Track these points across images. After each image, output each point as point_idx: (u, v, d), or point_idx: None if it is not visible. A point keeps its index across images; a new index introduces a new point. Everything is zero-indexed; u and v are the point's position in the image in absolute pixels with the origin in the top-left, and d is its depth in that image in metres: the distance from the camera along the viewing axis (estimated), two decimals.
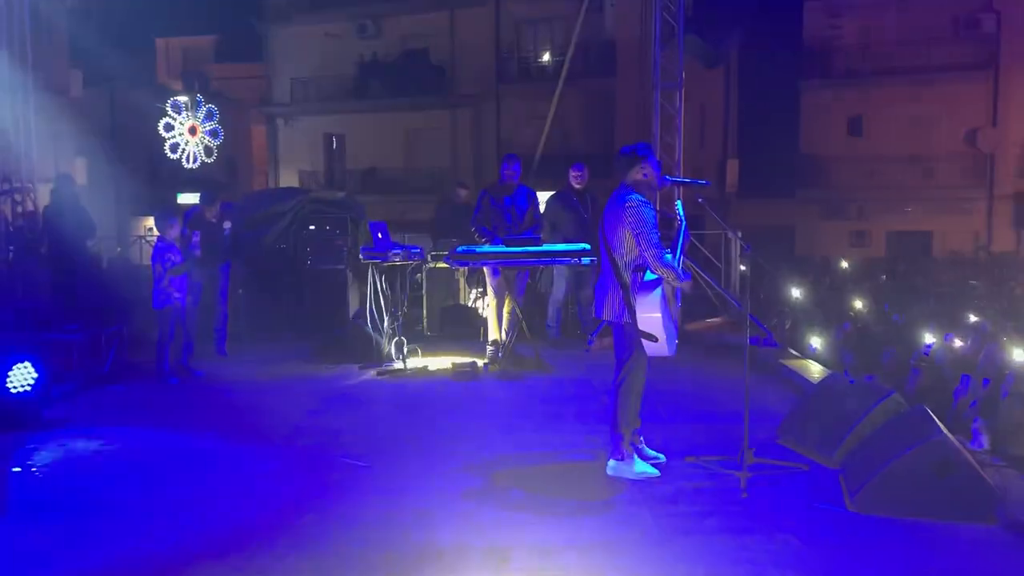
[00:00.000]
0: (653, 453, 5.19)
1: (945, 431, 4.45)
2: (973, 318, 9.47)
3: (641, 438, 5.18)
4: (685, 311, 10.05)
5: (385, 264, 8.11)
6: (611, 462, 4.96)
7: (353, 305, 10.02)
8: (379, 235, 8.04)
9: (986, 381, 6.55)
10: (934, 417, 4.59)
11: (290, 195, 11.23)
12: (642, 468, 4.94)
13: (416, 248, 8.42)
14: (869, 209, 24.54)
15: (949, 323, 9.45)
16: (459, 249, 7.75)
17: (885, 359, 8.25)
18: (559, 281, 9.27)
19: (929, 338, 8.31)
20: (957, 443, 4.42)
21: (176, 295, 7.66)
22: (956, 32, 23.36)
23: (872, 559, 3.86)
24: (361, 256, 8.31)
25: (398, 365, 8.04)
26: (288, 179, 28.03)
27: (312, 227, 10.08)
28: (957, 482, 4.22)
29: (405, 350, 8.12)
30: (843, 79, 24.25)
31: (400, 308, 8.39)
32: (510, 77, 26.54)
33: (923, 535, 4.09)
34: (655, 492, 4.71)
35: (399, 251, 8.05)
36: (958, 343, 8.14)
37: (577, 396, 7.01)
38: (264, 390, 7.48)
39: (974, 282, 14.31)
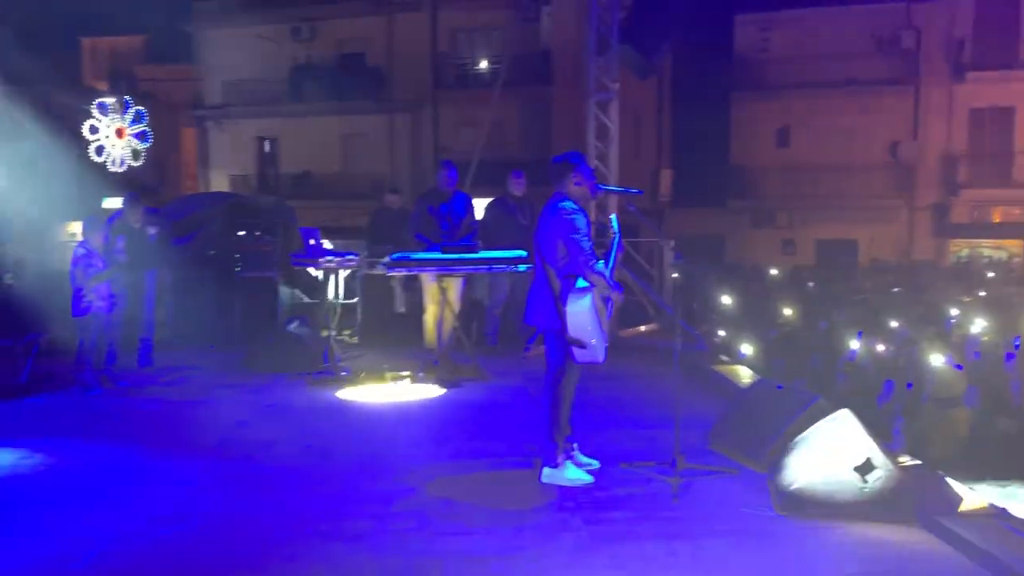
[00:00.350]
0: (587, 460, 5.20)
1: (869, 434, 4.56)
2: (894, 324, 9.77)
3: (575, 445, 5.20)
4: (619, 317, 10.19)
5: (317, 271, 7.99)
6: (545, 469, 4.96)
7: (285, 313, 9.84)
8: (311, 241, 7.92)
9: (909, 385, 6.77)
10: (858, 421, 4.71)
11: (220, 200, 11.00)
12: (576, 475, 4.95)
13: (350, 254, 8.31)
14: (797, 218, 25.22)
15: (873, 329, 9.75)
16: (395, 256, 7.68)
17: (813, 364, 8.46)
18: (497, 288, 9.27)
19: (854, 343, 8.54)
20: (880, 446, 4.54)
21: (99, 303, 7.41)
22: (879, 47, 24.21)
23: (799, 561, 3.94)
24: (292, 263, 8.17)
25: (331, 374, 7.92)
26: (219, 183, 27.44)
27: (242, 233, 9.87)
28: (879, 484, 4.34)
29: (338, 358, 8.00)
30: (772, 91, 24.90)
31: (333, 316, 8.27)
32: (447, 83, 26.51)
33: (848, 536, 4.18)
34: (589, 499, 4.72)
35: (332, 258, 7.94)
36: (881, 348, 8.39)
37: (513, 404, 6.99)
38: (190, 401, 7.28)
39: (896, 289, 14.78)
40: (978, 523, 4.12)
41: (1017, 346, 7.86)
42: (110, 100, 14.43)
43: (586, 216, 4.86)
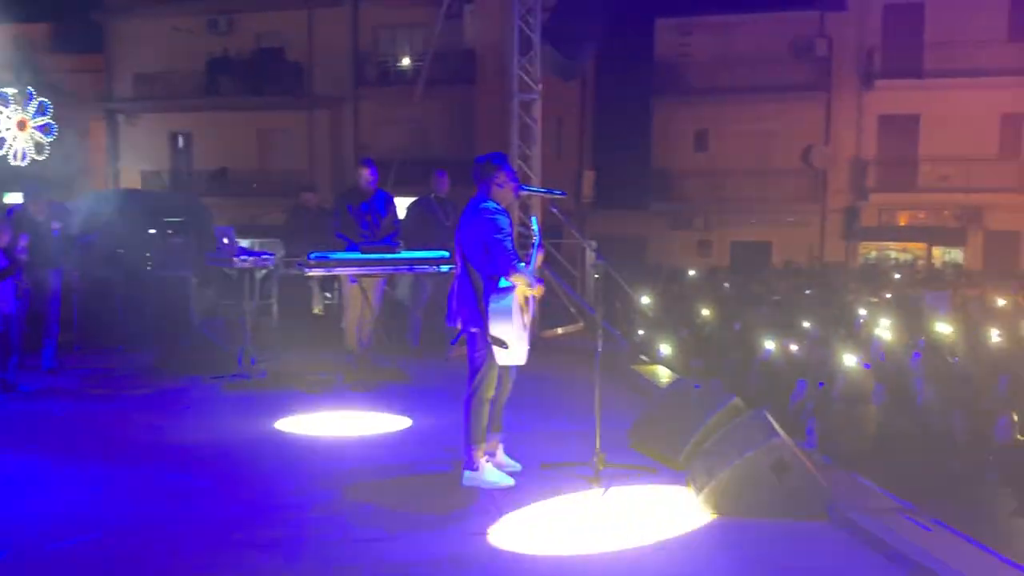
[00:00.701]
0: (509, 461, 5.19)
1: (782, 433, 4.67)
2: (807, 324, 10.06)
3: (501, 446, 5.18)
4: (542, 319, 10.23)
5: (232, 270, 7.76)
6: (466, 473, 4.92)
7: (198, 313, 9.53)
8: (225, 240, 7.68)
9: (820, 384, 6.95)
10: (772, 420, 4.81)
11: (130, 196, 10.59)
12: (497, 477, 4.93)
13: (266, 254, 8.10)
14: (714, 220, 25.80)
15: (786, 329, 10.02)
16: (313, 255, 7.51)
17: (729, 364, 8.63)
18: (420, 289, 9.17)
19: (768, 344, 8.75)
20: (793, 444, 4.65)
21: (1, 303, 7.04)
22: (794, 55, 24.94)
23: (715, 559, 4.00)
24: (206, 262, 7.91)
25: (246, 376, 7.70)
26: (129, 180, 26.50)
27: (153, 231, 9.53)
28: (793, 482, 4.44)
29: (254, 361, 7.79)
30: (691, 95, 25.39)
31: (249, 317, 8.04)
32: (369, 80, 26.21)
33: (762, 534, 4.26)
34: (511, 501, 4.70)
35: (247, 257, 7.72)
36: (794, 348, 8.61)
37: (434, 405, 6.92)
38: (98, 405, 6.99)
39: (808, 291, 15.24)
40: (885, 518, 4.25)
41: (923, 346, 8.19)
42: (11, 90, 13.72)
43: (508, 216, 4.85)
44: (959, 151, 23.75)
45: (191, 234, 9.56)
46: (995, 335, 9.08)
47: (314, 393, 7.35)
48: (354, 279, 7.67)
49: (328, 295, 9.66)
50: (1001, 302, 13.09)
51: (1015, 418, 5.64)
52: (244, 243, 8.55)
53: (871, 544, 4.08)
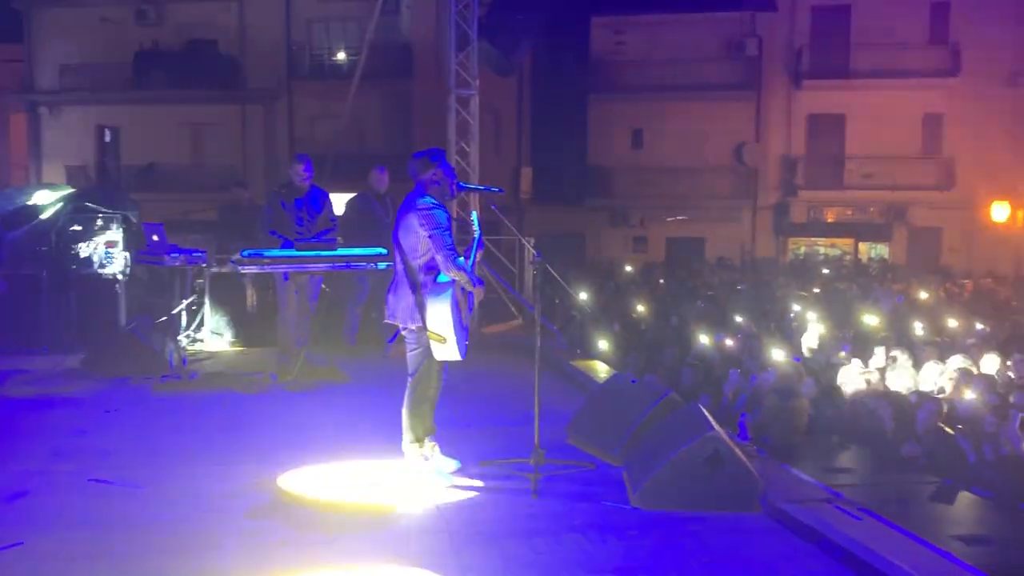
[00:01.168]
0: (448, 459, 5.16)
1: (716, 426, 4.75)
2: (739, 319, 10.28)
3: (436, 445, 5.15)
4: (481, 314, 10.22)
5: (162, 268, 7.55)
6: (406, 470, 4.88)
7: (127, 313, 9.25)
8: (155, 237, 7.48)
9: (753, 378, 7.11)
10: (707, 413, 4.90)
11: (53, 192, 10.20)
12: (436, 475, 4.90)
13: (197, 252, 7.90)
14: (649, 217, 26.15)
15: (719, 323, 10.22)
16: (246, 253, 7.35)
17: (665, 359, 8.76)
18: (358, 287, 9.05)
19: (702, 338, 8.92)
20: (727, 437, 4.74)
21: None
22: (726, 54, 25.42)
23: (653, 552, 4.05)
24: (134, 260, 7.69)
25: (178, 377, 7.51)
26: (53, 175, 25.51)
27: (79, 228, 9.19)
28: (727, 475, 4.52)
29: (186, 361, 7.60)
30: (626, 93, 25.66)
31: (180, 316, 7.84)
32: (303, 74, 25.81)
33: (698, 526, 4.33)
34: (451, 499, 4.68)
35: (178, 255, 7.52)
36: (728, 342, 8.79)
37: (373, 405, 6.85)
38: (18, 408, 6.72)
39: (740, 286, 15.56)
40: (816, 508, 4.36)
41: (850, 338, 8.43)
42: None
43: (447, 211, 4.83)
44: (884, 150, 24.55)
45: (118, 232, 9.22)
46: (919, 327, 9.41)
47: (249, 393, 7.21)
48: (288, 277, 7.54)
49: (262, 294, 9.46)
50: (924, 295, 13.58)
51: (938, 407, 5.86)
52: (174, 241, 8.31)
53: (803, 534, 4.18)
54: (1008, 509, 4.75)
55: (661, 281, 16.64)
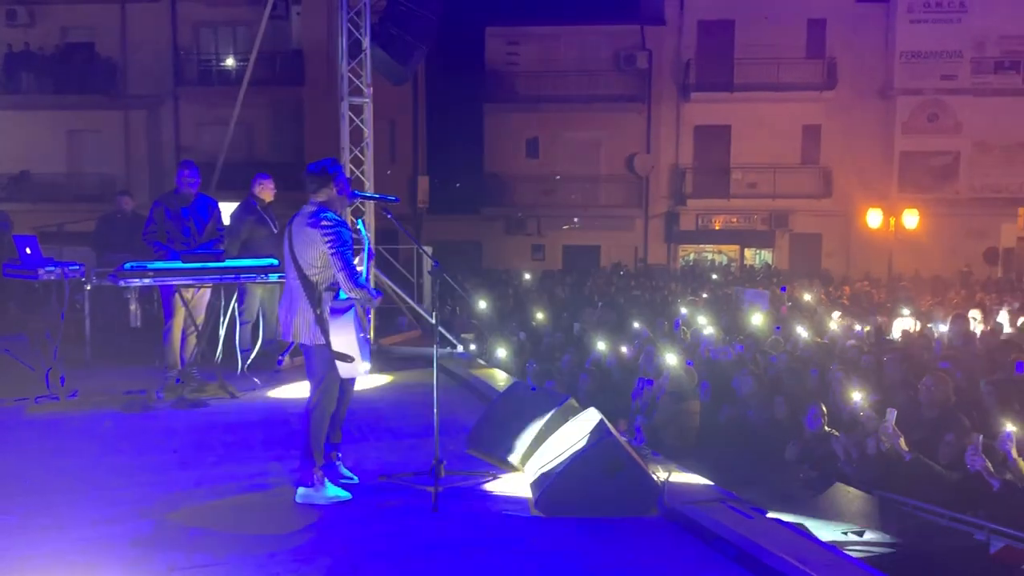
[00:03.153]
0: (348, 474, 5.05)
1: (614, 431, 4.81)
2: (636, 325, 10.49)
3: (339, 453, 5.04)
4: (380, 326, 10.09)
5: (36, 283, 7.11)
6: (300, 489, 4.74)
7: None
8: (27, 250, 7.04)
9: (650, 382, 7.24)
10: (604, 419, 4.95)
11: None
12: (334, 492, 4.78)
13: (75, 265, 7.47)
14: (546, 225, 26.47)
15: (616, 329, 10.40)
16: (127, 266, 7.00)
17: (563, 365, 8.84)
18: (248, 299, 8.77)
19: (599, 345, 9.05)
20: (625, 442, 4.80)
21: None
22: (617, 66, 26.00)
23: (555, 560, 4.05)
24: (4, 274, 7.22)
25: (55, 398, 7.09)
26: None
27: None
28: (625, 479, 4.58)
29: (64, 380, 7.18)
30: (522, 103, 25.93)
31: (56, 333, 7.40)
32: (190, 79, 24.93)
33: (598, 531, 4.37)
34: (348, 516, 4.57)
35: (53, 268, 7.10)
36: (623, 349, 8.94)
37: (265, 422, 6.64)
38: None
39: (636, 292, 15.91)
40: (710, 508, 4.47)
41: (742, 341, 8.71)
42: None
43: (348, 228, 4.72)
44: (766, 160, 25.62)
45: None
46: (802, 331, 9.81)
47: (132, 413, 6.87)
48: (174, 290, 7.23)
49: (146, 308, 9.04)
50: (807, 297, 14.20)
51: (823, 408, 6.11)
52: (50, 252, 7.85)
53: (699, 535, 4.28)
54: (885, 502, 5.00)
55: (558, 289, 16.84)
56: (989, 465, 4.78)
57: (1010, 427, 5.00)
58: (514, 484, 5.06)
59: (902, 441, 5.23)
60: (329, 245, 4.57)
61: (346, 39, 9.78)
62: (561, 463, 4.70)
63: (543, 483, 4.71)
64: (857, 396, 6.04)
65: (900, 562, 4.07)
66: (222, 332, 7.76)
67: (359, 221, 5.10)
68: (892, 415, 5.28)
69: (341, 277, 4.58)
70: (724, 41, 25.86)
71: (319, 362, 4.71)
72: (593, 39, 25.98)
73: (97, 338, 8.97)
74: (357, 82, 9.96)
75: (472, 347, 10.00)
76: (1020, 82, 25.39)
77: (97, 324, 8.99)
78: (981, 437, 4.94)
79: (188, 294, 7.28)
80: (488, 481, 5.14)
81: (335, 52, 10.13)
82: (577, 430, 5.08)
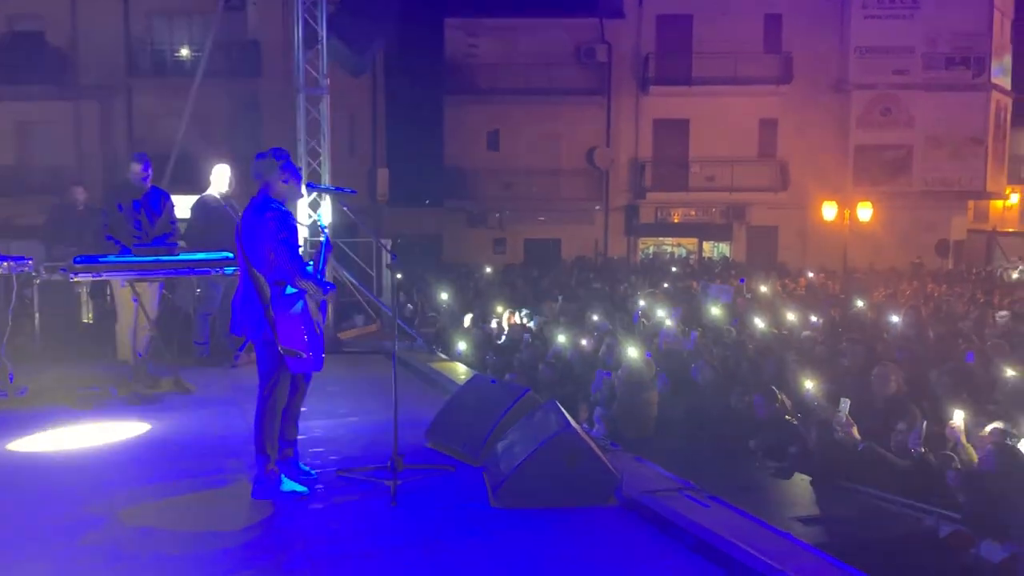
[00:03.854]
0: (305, 469, 5.00)
1: (573, 423, 4.83)
2: (596, 317, 10.53)
3: (291, 451, 4.98)
4: (339, 319, 9.99)
5: None
6: (255, 486, 4.68)
7: None
8: None
9: (608, 374, 7.28)
10: (563, 410, 4.96)
11: None
12: (290, 487, 4.72)
13: (23, 258, 7.29)
14: (507, 218, 26.46)
15: (577, 322, 10.43)
16: (79, 259, 6.85)
17: (524, 358, 8.84)
18: (209, 292, 8.61)
19: (560, 338, 9.06)
20: (583, 433, 4.82)
21: None
22: (577, 59, 26.05)
23: (514, 551, 4.06)
24: None
25: (3, 395, 6.90)
26: None
27: None
28: (583, 469, 4.59)
29: (13, 377, 7.00)
30: (482, 95, 25.84)
31: (4, 328, 7.21)
32: (143, 70, 24.43)
33: (557, 522, 4.38)
34: (306, 512, 4.53)
35: (1, 262, 6.92)
36: (584, 341, 8.97)
37: (220, 417, 6.54)
38: None
39: (597, 285, 15.98)
40: (668, 497, 4.50)
41: (694, 336, 8.79)
42: None
43: (294, 218, 4.65)
44: (724, 153, 25.88)
45: None
46: (759, 322, 9.94)
47: (84, 409, 6.72)
48: (126, 284, 7.09)
49: (98, 302, 8.86)
50: (764, 290, 14.39)
51: (778, 396, 6.19)
52: None
53: (656, 524, 4.31)
54: (837, 490, 5.09)
55: (519, 282, 16.85)
56: (929, 453, 4.90)
57: (958, 414, 5.12)
58: (473, 477, 5.05)
59: (855, 430, 5.32)
60: (272, 236, 4.49)
61: (302, 29, 9.65)
62: (520, 455, 4.70)
63: (502, 475, 4.71)
64: (810, 385, 6.13)
65: (853, 548, 4.14)
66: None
67: (319, 215, 5.03)
68: (846, 405, 5.37)
69: (287, 270, 4.50)
70: (682, 35, 26.05)
71: (268, 357, 4.64)
72: (553, 32, 25.99)
73: (48, 333, 8.76)
74: (314, 73, 9.84)
75: (432, 340, 9.96)
76: (970, 77, 25.96)
77: (47, 319, 8.78)
78: (925, 423, 5.05)
79: (140, 287, 7.14)
80: (448, 474, 5.12)
81: (291, 43, 9.99)
82: (536, 422, 5.08)
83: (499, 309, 11.57)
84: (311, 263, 4.63)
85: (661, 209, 26.99)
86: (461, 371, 8.14)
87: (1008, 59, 27.51)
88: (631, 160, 26.65)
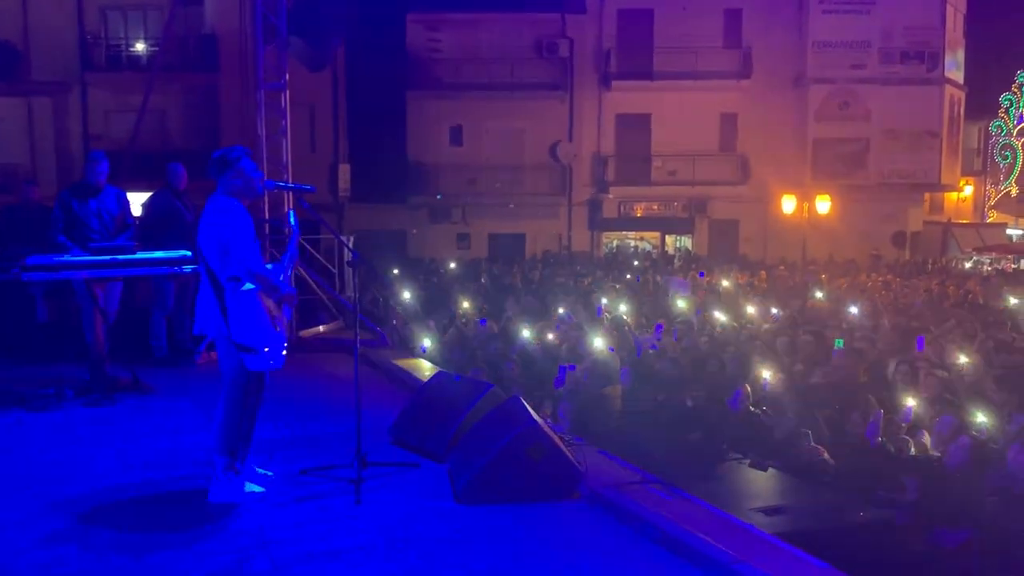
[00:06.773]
0: (263, 471, 4.95)
1: (537, 418, 4.83)
2: (561, 311, 10.56)
3: (246, 456, 4.92)
4: (301, 317, 9.89)
5: None
6: (215, 486, 4.62)
7: None
8: None
9: (572, 367, 7.31)
10: (527, 406, 4.97)
11: None
12: (250, 488, 4.68)
13: None
14: (471, 213, 26.40)
15: (542, 316, 10.46)
16: (32, 259, 6.70)
17: (488, 354, 8.84)
18: (164, 292, 8.48)
19: (525, 332, 9.08)
20: (547, 428, 4.83)
21: None
22: (540, 54, 26.05)
23: (479, 547, 4.06)
24: None
25: None
26: None
27: None
28: (547, 465, 4.61)
29: None
30: (444, 91, 25.73)
31: None
32: (98, 65, 23.94)
33: (521, 517, 4.39)
34: (268, 512, 4.48)
35: None
36: (549, 336, 9.00)
37: (180, 417, 6.45)
38: None
39: (561, 279, 16.01)
40: (633, 491, 4.54)
41: (660, 328, 8.87)
42: None
43: (249, 216, 4.58)
44: (685, 147, 26.08)
45: None
46: (721, 315, 10.04)
47: (38, 411, 6.58)
48: (83, 284, 6.95)
49: (54, 302, 8.68)
50: (725, 283, 14.53)
51: (747, 390, 6.26)
52: None
53: (620, 517, 4.34)
54: (800, 480, 5.17)
55: (483, 278, 16.82)
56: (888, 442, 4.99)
57: (911, 402, 5.23)
58: (438, 474, 5.04)
59: (825, 454, 5.36)
60: (227, 234, 4.42)
61: (260, 24, 9.53)
62: (484, 451, 4.70)
63: (466, 472, 4.71)
64: (768, 375, 6.21)
65: (814, 538, 4.21)
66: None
67: (290, 213, 4.97)
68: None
69: (240, 266, 4.44)
70: (643, 30, 26.17)
71: (227, 355, 4.59)
72: (515, 26, 25.95)
73: (2, 333, 8.58)
74: (273, 68, 9.72)
75: (396, 337, 9.91)
76: (925, 71, 26.44)
77: (1, 320, 8.59)
78: (882, 412, 5.14)
79: (98, 287, 7.01)
80: (412, 472, 5.10)
81: (249, 38, 9.86)
82: (500, 418, 5.08)
83: (464, 305, 11.55)
84: (271, 263, 4.57)
85: (624, 203, 27.13)
86: (426, 368, 8.11)
87: (961, 54, 28.07)
88: (593, 154, 26.74)
